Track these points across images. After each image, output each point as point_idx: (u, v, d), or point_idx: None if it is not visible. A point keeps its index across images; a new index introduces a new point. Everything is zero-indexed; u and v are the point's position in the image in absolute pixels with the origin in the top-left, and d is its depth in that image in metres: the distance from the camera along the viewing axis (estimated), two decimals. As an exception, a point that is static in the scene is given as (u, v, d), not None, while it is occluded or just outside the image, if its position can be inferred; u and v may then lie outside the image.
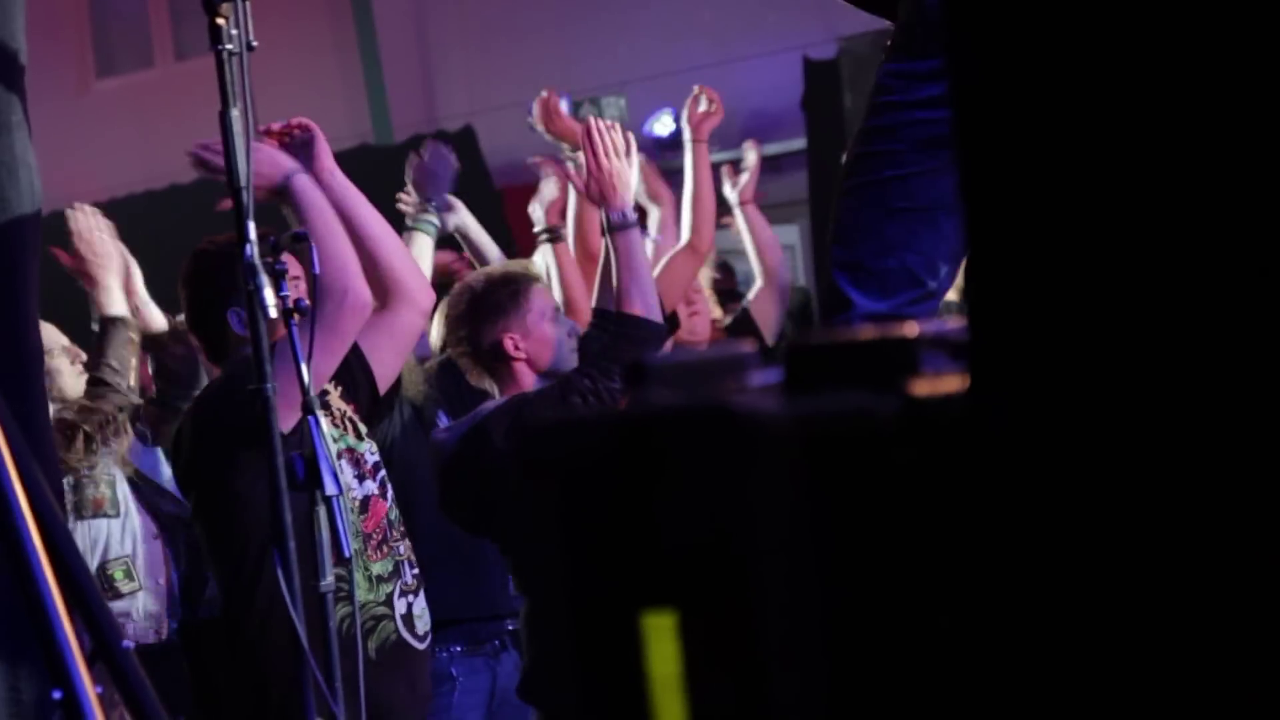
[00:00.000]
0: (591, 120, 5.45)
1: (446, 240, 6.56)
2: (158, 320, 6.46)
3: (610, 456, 1.45)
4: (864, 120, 3.80)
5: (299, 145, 4.52)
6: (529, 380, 5.27)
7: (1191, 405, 1.31)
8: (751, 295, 7.73)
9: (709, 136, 7.10)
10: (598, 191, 5.31)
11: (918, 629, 1.43)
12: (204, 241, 4.69)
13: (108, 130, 15.71)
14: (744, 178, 7.57)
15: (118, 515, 6.00)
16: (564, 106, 14.18)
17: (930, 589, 1.44)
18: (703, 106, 7.03)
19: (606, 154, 5.31)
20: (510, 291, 5.31)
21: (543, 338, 5.29)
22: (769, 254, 7.58)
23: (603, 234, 5.37)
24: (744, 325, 7.50)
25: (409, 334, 4.77)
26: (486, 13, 14.66)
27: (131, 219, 13.50)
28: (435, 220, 6.05)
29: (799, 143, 12.50)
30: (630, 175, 5.37)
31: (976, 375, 1.39)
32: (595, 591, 1.47)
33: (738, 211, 7.44)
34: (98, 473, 5.99)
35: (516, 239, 10.17)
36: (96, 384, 6.17)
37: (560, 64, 14.23)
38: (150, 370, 6.63)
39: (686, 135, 6.93)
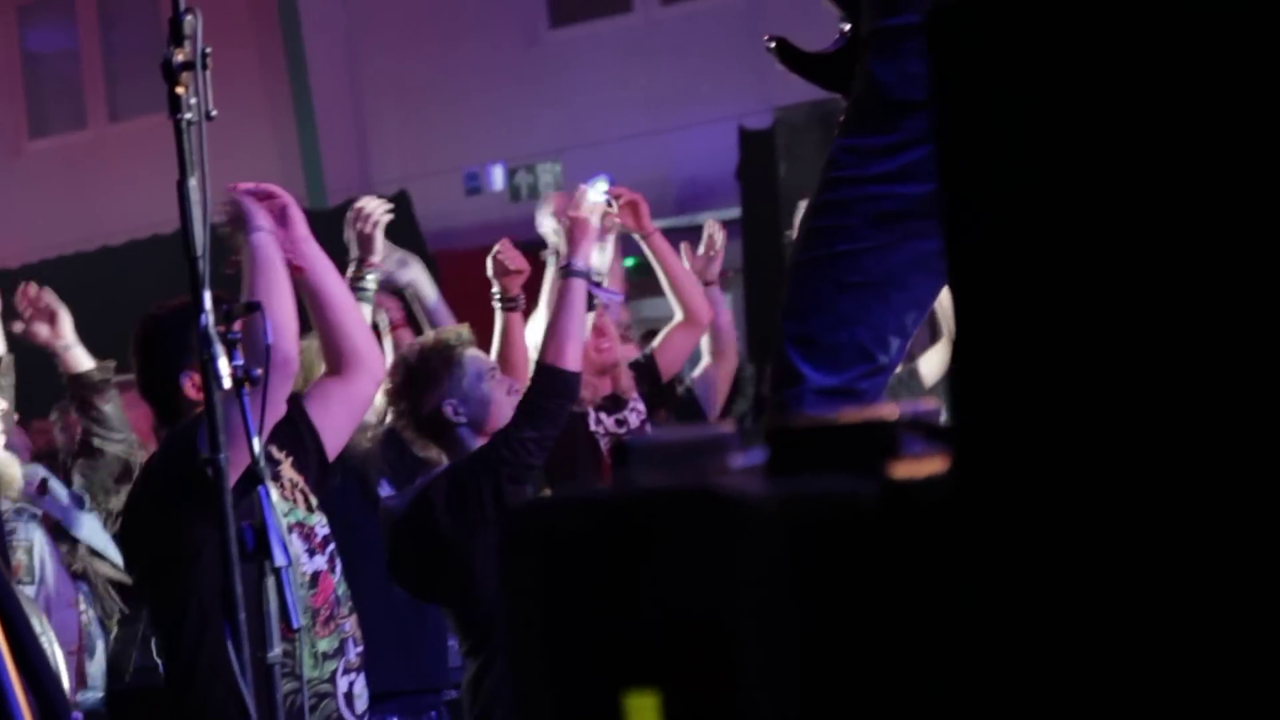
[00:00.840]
0: (582, 188, 5.67)
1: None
2: (84, 362, 6.44)
3: (595, 536, 1.46)
4: (816, 194, 3.83)
5: (276, 213, 4.52)
6: (475, 443, 5.29)
7: (1171, 497, 1.33)
8: (698, 371, 7.73)
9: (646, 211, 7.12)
10: (569, 235, 5.56)
11: (899, 708, 1.44)
12: (154, 306, 4.67)
13: (40, 191, 15.64)
14: (714, 266, 7.48)
15: (32, 582, 5.94)
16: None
17: (911, 668, 1.45)
18: (623, 201, 6.99)
19: (579, 210, 5.61)
20: (444, 358, 5.36)
21: (481, 399, 5.34)
22: (723, 335, 7.60)
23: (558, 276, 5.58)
24: (688, 404, 7.50)
25: (362, 403, 4.78)
26: (422, 79, 14.69)
27: (64, 280, 13.46)
28: (372, 286, 6.04)
29: (733, 211, 12.55)
30: (594, 235, 5.62)
31: (960, 459, 1.40)
32: (577, 670, 1.48)
33: (645, 245, 7.38)
34: (17, 538, 5.94)
35: (450, 303, 10.14)
36: (91, 453, 6.16)
37: (496, 130, 14.28)
38: (77, 414, 6.61)
39: (636, 236, 6.95)
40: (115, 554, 5.53)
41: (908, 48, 3.66)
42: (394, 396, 5.41)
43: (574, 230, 5.57)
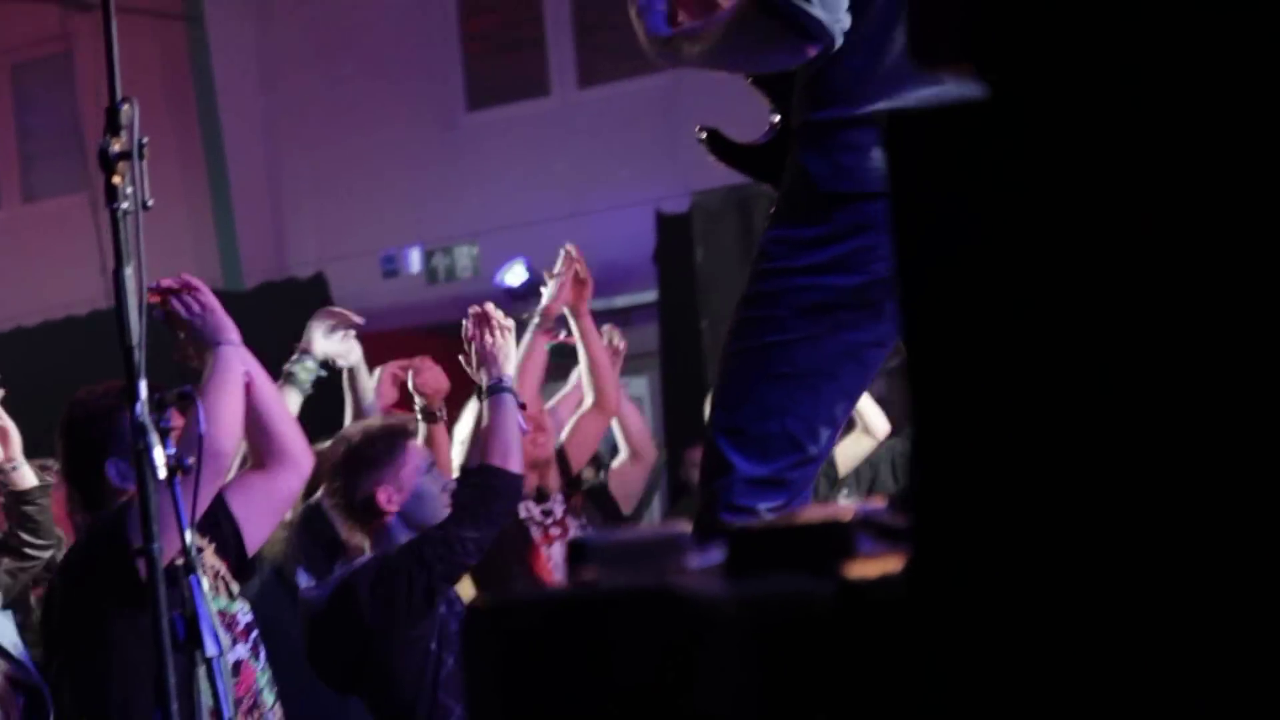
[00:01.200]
0: (486, 308, 5.61)
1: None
2: (29, 480, 6.33)
3: (554, 636, 1.47)
4: (747, 286, 3.87)
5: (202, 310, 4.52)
6: (401, 534, 5.28)
7: (1122, 602, 1.36)
8: (615, 464, 7.74)
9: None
10: (479, 361, 5.51)
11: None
12: (81, 391, 4.65)
13: (-48, 271, 15.54)
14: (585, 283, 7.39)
15: None
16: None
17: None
18: (559, 272, 7.02)
19: (491, 333, 5.52)
20: (387, 445, 5.35)
21: (415, 492, 5.33)
22: (637, 436, 7.61)
23: (479, 398, 5.53)
24: (601, 496, 7.50)
25: (287, 499, 4.78)
26: (339, 161, 14.70)
27: (-25, 360, 13.37)
28: (307, 378, 6.02)
29: (650, 295, 12.60)
30: (510, 348, 5.56)
31: (916, 560, 1.43)
32: (536, 770, 1.49)
33: (574, 324, 7.34)
34: None
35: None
36: (19, 556, 6.08)
37: (413, 212, 14.29)
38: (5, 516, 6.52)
39: (568, 312, 6.97)
40: (24, 655, 5.45)
41: (838, 141, 3.72)
42: (330, 473, 5.39)
43: (485, 353, 5.57)
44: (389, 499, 5.29)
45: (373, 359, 6.88)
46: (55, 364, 11.84)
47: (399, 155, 14.44)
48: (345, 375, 6.53)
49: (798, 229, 3.77)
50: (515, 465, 5.35)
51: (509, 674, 1.49)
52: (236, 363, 4.41)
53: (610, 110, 13.85)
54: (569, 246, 7.03)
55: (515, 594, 1.91)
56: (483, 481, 5.27)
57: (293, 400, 5.71)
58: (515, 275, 13.30)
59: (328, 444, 5.59)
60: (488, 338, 5.54)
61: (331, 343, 6.14)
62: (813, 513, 1.56)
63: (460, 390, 6.33)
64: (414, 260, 14.27)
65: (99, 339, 4.77)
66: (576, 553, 1.52)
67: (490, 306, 5.65)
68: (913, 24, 1.35)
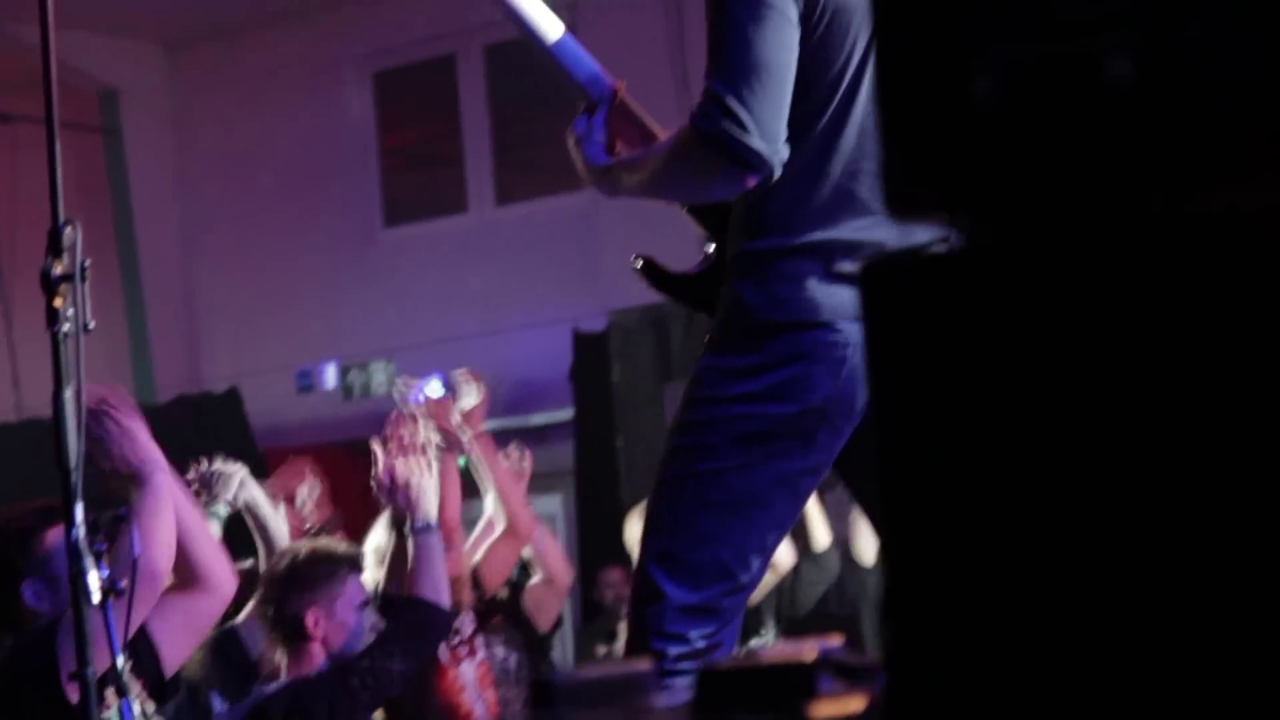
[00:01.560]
0: (401, 433, 5.56)
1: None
2: None
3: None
4: (680, 412, 3.91)
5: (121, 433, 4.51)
6: (318, 659, 5.25)
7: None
8: (530, 584, 7.70)
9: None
10: (404, 501, 5.45)
11: None
12: (2, 509, 4.63)
13: None
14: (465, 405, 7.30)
15: None
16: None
17: None
18: (471, 400, 7.01)
19: (408, 465, 5.48)
20: (329, 570, 5.33)
21: (344, 623, 5.30)
22: (552, 559, 7.58)
23: (405, 534, 5.49)
24: (516, 615, 7.46)
25: (207, 620, 4.75)
26: (255, 275, 14.68)
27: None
28: (224, 510, 6.00)
29: (566, 413, 12.63)
30: (430, 484, 5.50)
31: (890, 699, 1.45)
32: None
33: (472, 448, 7.25)
34: None
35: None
36: None
37: (329, 328, 14.28)
38: None
39: (465, 434, 6.89)
40: None
41: (773, 271, 3.77)
42: (266, 582, 5.36)
43: (409, 498, 5.50)
44: (316, 623, 5.26)
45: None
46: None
47: (316, 270, 14.44)
48: (246, 514, 6.44)
49: (732, 357, 3.81)
50: (446, 600, 5.36)
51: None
52: (166, 488, 4.39)
53: (528, 228, 13.92)
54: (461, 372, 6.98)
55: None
56: (415, 616, 5.26)
57: (214, 530, 5.69)
58: (432, 391, 13.28)
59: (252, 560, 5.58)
60: (410, 478, 5.47)
61: (245, 490, 6.08)
62: (776, 652, 1.58)
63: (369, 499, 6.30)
64: (329, 376, 14.25)
65: (6, 454, 4.71)
66: (543, 693, 1.54)
67: (404, 429, 5.59)
68: (889, 172, 1.39)
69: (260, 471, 11.87)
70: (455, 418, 6.82)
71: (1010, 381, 1.36)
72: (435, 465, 5.63)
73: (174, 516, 4.38)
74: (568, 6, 4.11)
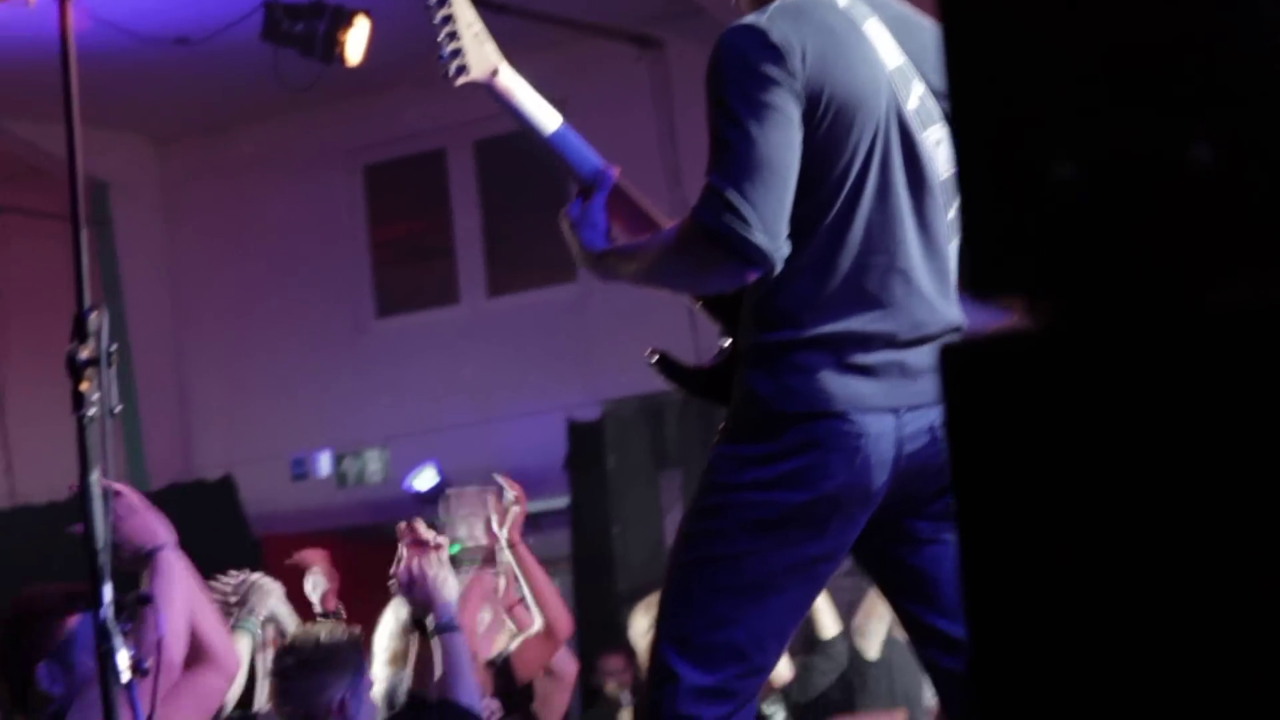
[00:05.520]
0: (417, 527, 5.54)
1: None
2: None
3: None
4: (694, 499, 3.95)
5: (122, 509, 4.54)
6: None
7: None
8: (515, 643, 7.69)
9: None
10: (423, 599, 5.42)
11: None
12: (28, 589, 4.64)
13: None
14: (511, 514, 7.38)
15: None
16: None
17: None
18: (508, 503, 7.06)
19: (429, 566, 5.43)
20: (355, 657, 5.33)
21: (370, 710, 5.32)
22: (549, 603, 7.56)
23: (427, 633, 5.48)
24: (503, 672, 7.41)
25: (214, 697, 4.73)
26: (248, 364, 14.73)
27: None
28: (257, 625, 6.00)
29: (561, 501, 12.65)
30: (451, 580, 5.48)
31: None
32: None
33: (509, 554, 7.31)
34: None
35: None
36: None
37: (321, 416, 14.31)
38: None
39: (503, 539, 6.96)
40: None
41: (786, 362, 3.82)
42: (293, 670, 5.32)
43: (424, 592, 5.45)
44: (345, 705, 5.26)
45: (279, 561, 6.90)
46: (27, 549, 11.74)
47: (308, 359, 14.49)
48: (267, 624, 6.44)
49: (745, 446, 3.85)
50: (479, 703, 5.36)
51: None
52: (179, 567, 4.40)
53: (520, 318, 13.98)
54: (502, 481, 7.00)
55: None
56: (444, 717, 5.26)
57: (244, 644, 5.69)
58: (425, 480, 13.32)
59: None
60: (428, 572, 5.43)
61: (277, 604, 6.08)
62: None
63: (372, 587, 6.32)
64: (324, 464, 14.28)
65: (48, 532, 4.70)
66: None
67: (421, 526, 5.57)
68: (970, 254, 1.44)
69: (255, 558, 11.89)
70: (495, 522, 6.89)
71: (1084, 462, 1.40)
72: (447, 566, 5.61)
73: (185, 599, 4.38)
74: (557, 104, 4.16)
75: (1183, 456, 1.32)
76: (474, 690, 5.30)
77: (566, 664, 7.54)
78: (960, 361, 1.42)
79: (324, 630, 5.46)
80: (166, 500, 13.20)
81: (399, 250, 15.63)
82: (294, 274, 14.77)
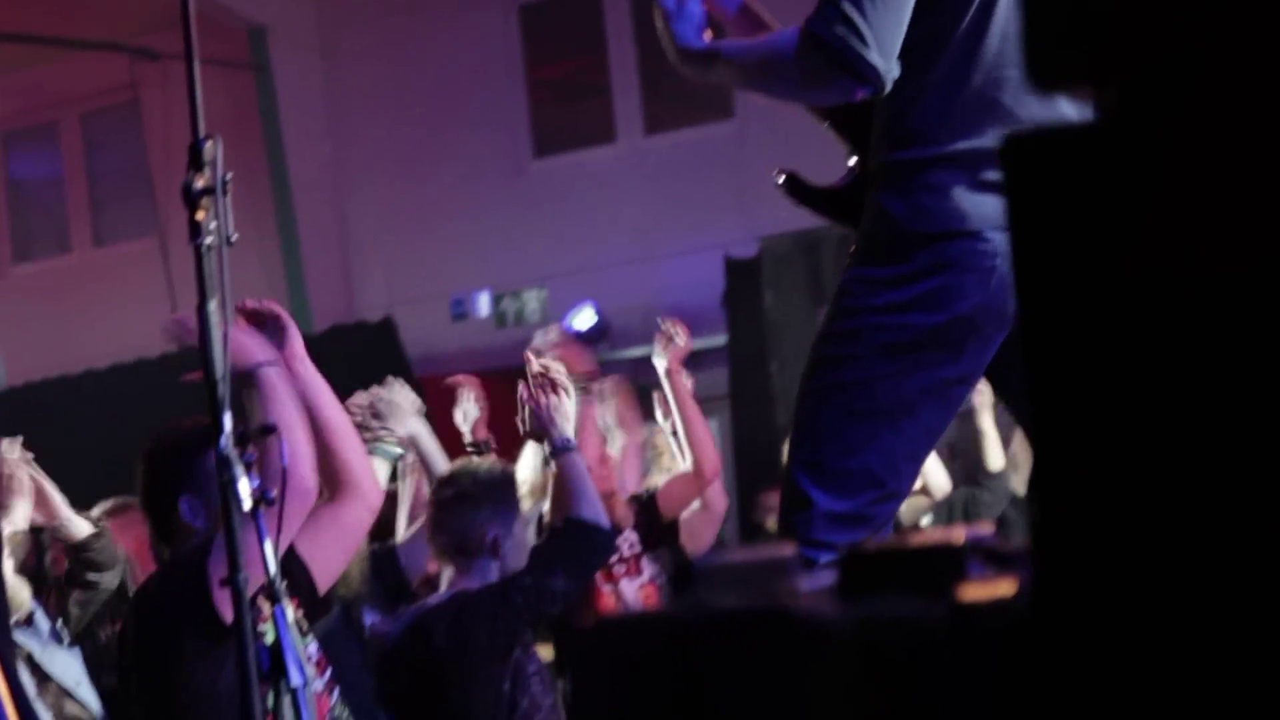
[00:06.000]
0: (533, 360, 5.55)
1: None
2: (81, 530, 6.36)
3: (666, 656, 1.46)
4: (826, 323, 3.86)
5: (272, 330, 4.54)
6: (491, 576, 5.27)
7: (1249, 631, 1.34)
8: (685, 515, 7.66)
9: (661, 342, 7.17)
10: (539, 426, 5.46)
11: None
12: (171, 422, 4.66)
13: (24, 316, 15.64)
14: (678, 341, 7.33)
15: None
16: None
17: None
18: (678, 341, 7.12)
19: (544, 391, 5.47)
20: (507, 493, 5.36)
21: (522, 542, 5.34)
22: (699, 441, 7.52)
23: (546, 461, 5.51)
24: (648, 509, 7.38)
25: (355, 529, 4.71)
26: (407, 206, 14.76)
27: (46, 403, 13.46)
28: (395, 449, 6.00)
29: (719, 339, 12.59)
30: (567, 407, 5.50)
31: (1035, 585, 1.41)
32: (645, 793, 1.48)
33: (666, 383, 7.29)
34: None
35: (438, 429, 10.15)
36: (86, 585, 6.11)
37: (480, 257, 14.34)
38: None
39: (662, 369, 7.01)
40: (87, 695, 5.47)
41: (919, 181, 3.71)
42: (454, 500, 5.35)
43: (539, 419, 5.48)
44: (497, 541, 5.28)
45: (440, 402, 6.90)
46: (125, 407, 11.92)
47: (467, 200, 14.50)
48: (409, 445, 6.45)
49: (878, 268, 3.76)
50: (605, 520, 5.35)
51: (618, 695, 1.48)
52: (282, 385, 4.35)
53: (677, 156, 13.88)
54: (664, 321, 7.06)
55: (627, 615, 1.90)
56: (577, 535, 5.26)
57: (381, 469, 5.69)
58: (584, 319, 13.32)
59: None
60: (542, 399, 5.47)
61: (415, 421, 6.08)
62: (923, 536, 1.55)
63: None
64: (483, 304, 14.31)
65: (169, 381, 4.73)
66: (684, 577, 1.51)
67: (550, 363, 5.59)
68: (1031, 43, 1.34)
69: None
70: (660, 361, 6.98)
71: (1147, 251, 1.32)
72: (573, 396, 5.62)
73: (302, 416, 4.33)
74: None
75: (1251, 248, 1.23)
76: (597, 507, 5.30)
77: (717, 498, 7.51)
78: (1023, 152, 1.33)
79: (484, 466, 5.49)
80: (329, 342, 13.40)
81: (556, 90, 15.55)
82: (452, 116, 14.75)
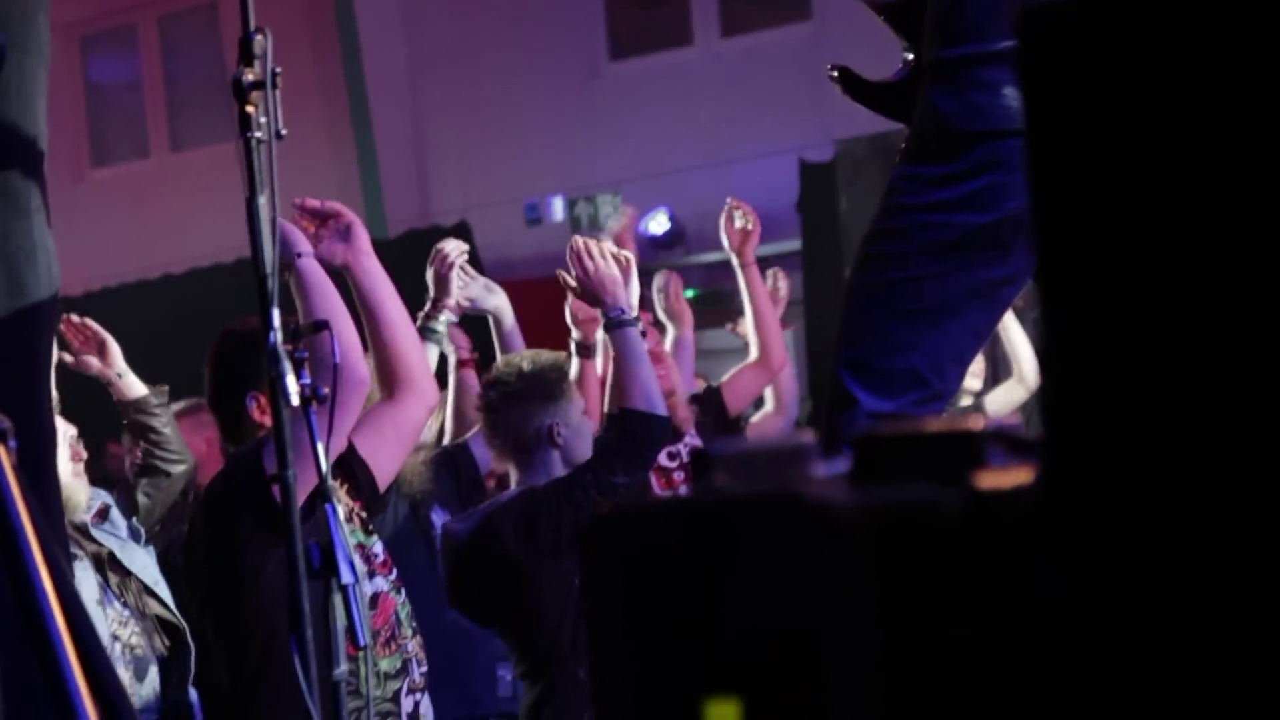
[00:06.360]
0: (576, 241, 5.47)
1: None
2: (137, 389, 6.49)
3: (677, 543, 1.45)
4: (874, 221, 3.82)
5: (337, 228, 4.54)
6: (557, 468, 5.26)
7: (1266, 514, 1.31)
8: (756, 417, 7.63)
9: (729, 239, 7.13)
10: (590, 293, 5.39)
11: (984, 717, 1.43)
12: (236, 321, 4.69)
13: (102, 220, 15.73)
14: (742, 226, 7.26)
15: None
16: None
17: (993, 678, 1.44)
18: (738, 224, 7.05)
19: (592, 258, 5.39)
20: (561, 380, 5.33)
21: (580, 428, 5.31)
22: (784, 389, 7.49)
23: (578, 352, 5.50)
24: (710, 399, 7.34)
25: (414, 427, 4.74)
26: (482, 110, 14.74)
27: (123, 308, 13.54)
28: (443, 328, 6.03)
29: (794, 244, 12.54)
30: (618, 274, 5.39)
31: (1049, 472, 1.39)
32: (657, 677, 1.47)
33: (740, 274, 7.24)
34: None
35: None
36: (154, 472, 6.19)
37: (555, 161, 14.30)
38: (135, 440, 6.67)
39: (735, 261, 6.97)
40: (165, 593, 5.53)
41: (970, 78, 3.67)
42: (499, 400, 5.34)
43: (590, 286, 5.40)
44: (557, 433, 5.27)
45: (514, 306, 6.91)
46: (202, 311, 11.99)
47: (542, 104, 14.45)
48: (490, 321, 6.54)
49: (928, 166, 3.72)
50: (661, 408, 5.31)
51: (630, 580, 1.47)
52: (321, 274, 4.34)
53: (753, 58, 13.79)
54: (731, 200, 7.03)
55: (639, 502, 1.89)
56: (632, 427, 5.23)
57: (430, 354, 5.70)
58: (658, 224, 13.29)
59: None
60: (601, 268, 5.38)
61: (474, 288, 6.14)
62: (941, 422, 1.53)
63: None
64: (557, 209, 14.28)
65: (246, 286, 4.77)
66: (701, 462, 1.50)
67: (587, 241, 5.49)
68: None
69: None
70: (728, 241, 6.95)
71: (1170, 123, 1.28)
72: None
73: (337, 303, 4.33)
74: None
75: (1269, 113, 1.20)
76: (651, 392, 5.25)
77: (788, 396, 7.50)
78: (1035, 22, 1.30)
79: (526, 359, 5.45)
80: (404, 248, 13.46)
81: (632, -8, 15.48)
82: (528, 19, 14.69)
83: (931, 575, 1.42)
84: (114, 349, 6.42)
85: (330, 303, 4.30)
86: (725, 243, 7.06)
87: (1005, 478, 1.47)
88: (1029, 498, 1.43)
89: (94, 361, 6.38)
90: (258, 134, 3.47)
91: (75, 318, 6.42)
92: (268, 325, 3.40)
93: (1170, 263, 1.28)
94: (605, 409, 5.51)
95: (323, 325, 3.88)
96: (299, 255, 4.33)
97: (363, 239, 4.57)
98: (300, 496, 3.54)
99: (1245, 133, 1.24)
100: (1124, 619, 1.37)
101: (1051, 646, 1.40)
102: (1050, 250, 1.30)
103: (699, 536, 1.44)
